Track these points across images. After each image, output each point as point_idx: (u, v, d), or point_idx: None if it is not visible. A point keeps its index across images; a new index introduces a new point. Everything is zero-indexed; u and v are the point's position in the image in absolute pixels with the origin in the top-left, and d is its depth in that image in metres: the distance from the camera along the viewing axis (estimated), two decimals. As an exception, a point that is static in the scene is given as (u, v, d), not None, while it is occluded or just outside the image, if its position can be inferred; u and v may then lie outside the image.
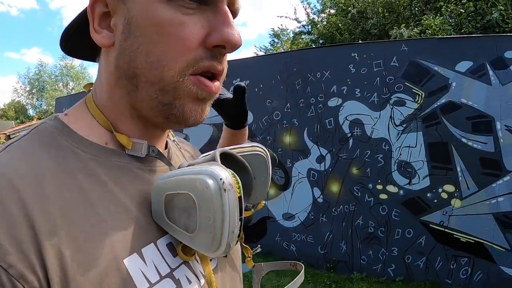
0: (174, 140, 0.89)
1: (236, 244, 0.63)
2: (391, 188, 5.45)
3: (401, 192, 5.37)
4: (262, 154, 0.86)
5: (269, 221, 6.57)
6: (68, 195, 0.58)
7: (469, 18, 8.97)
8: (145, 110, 0.68)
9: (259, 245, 1.11)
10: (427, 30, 8.92)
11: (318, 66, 6.10)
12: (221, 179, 0.58)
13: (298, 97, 6.28)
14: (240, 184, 0.61)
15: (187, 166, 0.69)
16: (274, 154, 6.42)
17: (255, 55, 14.67)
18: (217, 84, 0.68)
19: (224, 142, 1.35)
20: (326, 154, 6.02)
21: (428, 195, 5.16)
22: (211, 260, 0.74)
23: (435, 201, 5.12)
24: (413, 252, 5.25)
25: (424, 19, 9.34)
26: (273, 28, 21.29)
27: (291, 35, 17.67)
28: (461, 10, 8.95)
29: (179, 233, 0.64)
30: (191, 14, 0.62)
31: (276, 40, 19.29)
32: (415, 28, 9.21)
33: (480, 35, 6.79)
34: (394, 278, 5.32)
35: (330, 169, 5.98)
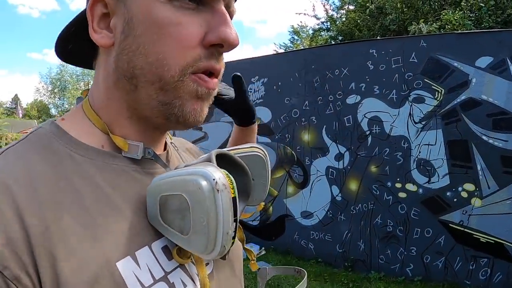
0: (172, 142, 0.88)
1: (232, 246, 0.61)
2: (410, 187, 5.38)
3: (420, 190, 5.29)
4: (260, 155, 0.86)
5: (288, 219, 6.56)
6: (62, 198, 0.58)
7: (489, 12, 8.81)
8: (145, 111, 0.68)
9: (263, 248, 1.09)
10: (446, 25, 8.80)
11: (336, 63, 6.06)
12: (214, 179, 0.57)
13: (317, 94, 6.24)
14: (235, 184, 0.60)
15: (183, 167, 0.68)
16: (293, 152, 6.45)
17: (274, 53, 14.66)
18: (215, 80, 0.69)
19: (233, 139, 1.33)
20: (345, 152, 5.98)
21: (448, 194, 5.08)
22: (207, 264, 0.73)
23: (455, 200, 5.03)
24: (432, 252, 5.17)
25: (444, 14, 9.20)
26: (292, 25, 21.20)
27: (310, 32, 17.63)
28: (481, 4, 8.80)
29: (173, 235, 0.63)
30: (190, 14, 0.63)
31: (295, 37, 19.27)
32: (434, 23, 9.06)
33: (501, 29, 6.66)
34: (412, 278, 5.26)
35: (348, 167, 5.94)
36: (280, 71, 6.68)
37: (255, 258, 0.90)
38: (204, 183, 0.57)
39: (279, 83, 6.68)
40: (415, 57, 5.33)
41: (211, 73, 0.67)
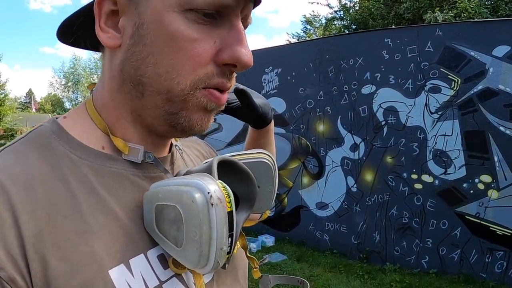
0: (176, 145, 0.85)
1: (228, 260, 0.60)
2: (426, 178, 5.32)
3: (436, 182, 5.23)
4: (267, 161, 0.83)
5: (302, 210, 6.56)
6: (57, 202, 0.57)
7: (505, 0, 8.61)
8: (149, 118, 0.67)
9: (266, 256, 1.07)
10: (462, 14, 8.66)
11: (350, 53, 5.99)
12: (209, 192, 0.55)
13: (331, 84, 6.20)
14: (232, 198, 0.58)
15: (185, 173, 0.68)
16: (308, 143, 6.42)
17: (287, 43, 14.57)
18: (225, 96, 0.67)
19: (249, 139, 1.28)
20: (360, 143, 5.93)
21: (464, 185, 5.02)
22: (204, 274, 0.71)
23: (471, 191, 4.97)
24: (447, 244, 5.12)
25: (459, 2, 9.05)
26: (305, 15, 21.01)
27: (324, 21, 17.50)
28: (497, -8, 8.63)
29: (168, 246, 0.62)
30: (204, 29, 0.60)
31: (308, 27, 19.11)
32: (450, 12, 8.93)
33: (519, 18, 6.51)
34: (427, 270, 5.22)
35: (364, 158, 5.90)
36: (294, 61, 6.64)
37: (257, 266, 0.88)
38: (198, 196, 0.55)
39: (293, 73, 6.65)
40: (431, 46, 5.24)
41: (221, 90, 0.66)
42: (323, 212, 6.31)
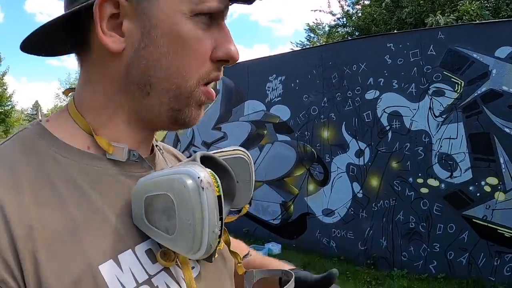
0: (157, 145, 0.87)
1: (218, 245, 0.62)
2: (432, 182, 5.29)
3: (443, 185, 5.20)
4: (244, 157, 0.88)
5: (309, 217, 6.54)
6: (45, 202, 0.58)
7: (507, 1, 8.61)
8: (150, 115, 0.71)
9: (249, 250, 1.08)
10: (464, 16, 8.63)
11: (353, 59, 6.00)
12: (199, 177, 0.58)
13: (335, 90, 6.21)
14: (220, 183, 0.61)
15: (169, 168, 0.70)
16: (313, 149, 6.41)
17: (291, 51, 14.66)
18: (213, 91, 0.74)
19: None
20: (365, 148, 5.92)
21: (471, 188, 4.98)
22: (193, 267, 0.72)
23: (478, 194, 4.93)
24: (455, 248, 5.08)
25: (460, 4, 9.03)
26: (308, 23, 21.07)
27: (327, 29, 17.56)
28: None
29: (160, 236, 0.63)
30: (205, 30, 0.67)
31: (312, 35, 19.17)
32: (452, 15, 8.92)
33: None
34: (436, 275, 5.17)
35: (369, 163, 5.88)
36: (297, 69, 6.66)
37: (241, 261, 0.90)
38: (189, 181, 0.57)
39: (297, 81, 6.66)
40: (433, 50, 5.24)
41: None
42: (329, 219, 6.29)
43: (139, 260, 0.64)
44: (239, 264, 0.89)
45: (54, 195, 0.60)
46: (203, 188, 0.57)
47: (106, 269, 0.59)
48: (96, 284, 0.57)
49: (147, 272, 0.64)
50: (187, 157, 1.06)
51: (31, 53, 0.76)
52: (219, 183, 0.60)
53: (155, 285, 0.64)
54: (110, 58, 0.67)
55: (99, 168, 0.67)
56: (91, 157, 0.67)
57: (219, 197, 0.59)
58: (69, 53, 0.77)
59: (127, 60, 0.66)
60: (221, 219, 0.59)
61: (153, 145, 0.83)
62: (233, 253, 0.88)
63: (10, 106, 24.19)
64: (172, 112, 0.69)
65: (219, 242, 0.61)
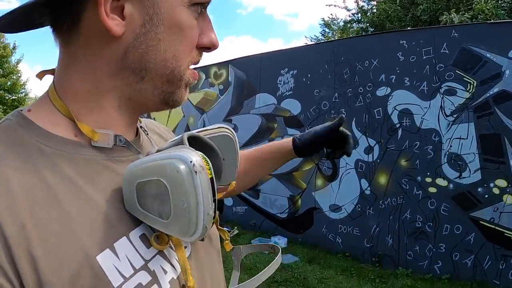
0: (141, 126, 0.86)
1: (212, 226, 0.63)
2: (440, 182, 5.24)
3: (451, 185, 5.15)
4: (229, 134, 0.89)
5: (316, 212, 6.53)
6: (35, 195, 0.57)
7: (523, 1, 8.50)
8: (142, 99, 0.72)
9: (235, 227, 1.10)
10: (479, 15, 8.55)
11: (365, 55, 5.96)
12: (191, 161, 0.58)
13: (346, 86, 6.17)
14: (211, 165, 0.61)
15: (156, 152, 0.69)
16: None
17: (304, 44, 14.64)
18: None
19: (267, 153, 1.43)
20: (375, 145, 5.89)
21: (479, 189, 4.92)
22: (185, 247, 0.75)
23: (486, 196, 4.87)
24: (461, 250, 5.03)
25: (476, 3, 8.93)
26: (323, 18, 20.93)
27: (341, 24, 17.52)
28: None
29: (154, 221, 0.63)
30: (196, 19, 0.71)
31: (327, 30, 19.06)
32: (466, 13, 8.82)
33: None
34: (440, 276, 5.13)
35: (378, 161, 5.85)
36: (309, 63, 6.63)
37: (229, 238, 0.93)
38: (182, 166, 0.58)
39: (309, 75, 6.63)
40: (447, 48, 5.17)
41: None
42: (336, 215, 6.27)
43: (134, 246, 0.65)
44: (226, 241, 0.93)
45: (43, 187, 0.59)
46: (196, 172, 0.57)
47: (103, 259, 0.59)
48: (95, 275, 0.57)
49: (142, 258, 0.65)
50: (171, 132, 1.09)
51: (6, 32, 0.75)
52: (210, 165, 0.61)
53: (152, 270, 0.65)
54: (106, 41, 0.65)
55: (85, 156, 0.67)
56: (77, 145, 0.66)
57: (211, 179, 0.60)
58: (40, 27, 0.73)
59: (126, 44, 0.66)
60: (214, 200, 0.60)
61: (137, 127, 0.83)
62: (221, 230, 0.91)
63: (23, 94, 24.34)
64: (164, 95, 0.72)
65: (213, 222, 0.62)
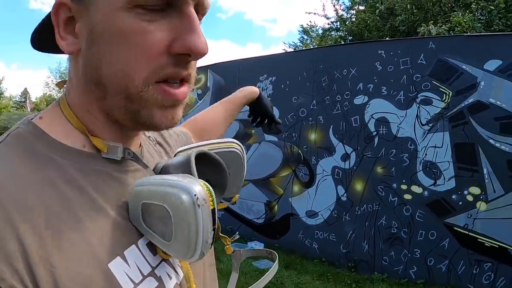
0: (149, 136, 0.89)
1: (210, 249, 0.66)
2: (415, 189, 5.35)
3: (426, 193, 5.26)
4: (237, 150, 0.91)
5: (292, 218, 6.57)
6: (50, 204, 0.58)
7: (499, 15, 8.73)
8: (116, 116, 0.67)
9: (237, 232, 1.14)
10: (456, 28, 8.70)
11: (344, 63, 6.04)
12: (195, 195, 0.59)
13: (324, 94, 6.24)
14: (214, 196, 0.63)
15: (162, 167, 0.75)
16: (299, 151, 6.45)
17: (283, 52, 14.70)
18: (184, 89, 0.67)
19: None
20: (351, 152, 5.96)
21: (453, 197, 5.04)
22: None
23: (460, 203, 4.99)
24: (435, 255, 5.14)
25: (453, 16, 9.10)
26: (302, 25, 21.10)
27: (320, 31, 17.60)
28: (491, 7, 8.72)
29: (156, 239, 0.66)
30: (154, 20, 0.60)
31: (305, 37, 19.14)
32: (444, 25, 8.98)
33: (510, 33, 6.58)
34: (415, 281, 5.23)
35: (354, 168, 5.92)
36: (288, 70, 6.68)
37: (229, 243, 0.96)
38: (185, 198, 0.59)
39: (287, 82, 6.69)
40: (424, 59, 5.30)
41: (181, 80, 0.66)
42: (312, 220, 6.32)
43: (142, 254, 0.67)
44: (227, 246, 0.95)
45: (57, 197, 0.59)
46: (199, 205, 0.59)
47: (115, 266, 0.61)
48: (108, 281, 0.59)
49: (150, 264, 0.68)
50: (179, 135, 1.13)
51: (43, 51, 0.78)
52: (214, 196, 0.62)
53: (158, 275, 0.68)
54: (75, 59, 0.67)
55: (96, 167, 0.68)
56: (88, 157, 0.68)
57: (213, 210, 0.61)
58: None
59: (83, 60, 0.64)
60: (214, 229, 0.62)
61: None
62: (222, 237, 0.92)
63: (-1, 92, 23.87)
64: (132, 114, 0.65)
65: (211, 247, 0.64)
